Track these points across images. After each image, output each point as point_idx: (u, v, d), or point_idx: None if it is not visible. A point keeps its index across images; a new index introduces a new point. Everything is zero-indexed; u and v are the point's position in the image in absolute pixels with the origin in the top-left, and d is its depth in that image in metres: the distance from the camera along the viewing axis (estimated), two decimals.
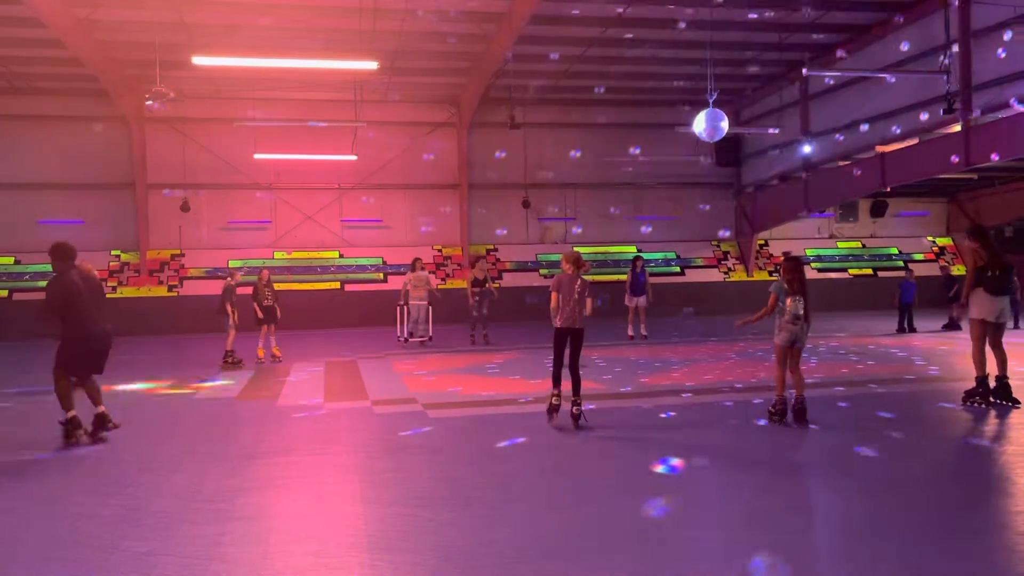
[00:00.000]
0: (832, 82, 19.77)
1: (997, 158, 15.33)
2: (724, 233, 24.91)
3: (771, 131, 21.31)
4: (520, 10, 15.88)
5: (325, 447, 6.95)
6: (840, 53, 18.93)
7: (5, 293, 21.01)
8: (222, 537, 4.53)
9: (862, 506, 4.98)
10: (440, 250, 23.62)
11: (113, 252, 21.92)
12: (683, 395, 9.30)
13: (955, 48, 15.63)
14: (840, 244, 25.91)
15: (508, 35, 16.89)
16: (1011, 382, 8.15)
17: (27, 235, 20.96)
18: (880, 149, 18.35)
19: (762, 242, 25.42)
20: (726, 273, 24.95)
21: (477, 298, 15.99)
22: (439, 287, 17.64)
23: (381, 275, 22.94)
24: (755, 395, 9.11)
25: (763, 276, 24.44)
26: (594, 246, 23.81)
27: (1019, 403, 8.00)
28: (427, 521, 4.79)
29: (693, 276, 24.60)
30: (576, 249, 8.69)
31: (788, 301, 7.42)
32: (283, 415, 8.57)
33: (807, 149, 20.68)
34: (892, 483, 5.50)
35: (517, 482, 5.76)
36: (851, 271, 25.51)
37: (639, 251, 22.45)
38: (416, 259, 16.76)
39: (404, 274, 17.94)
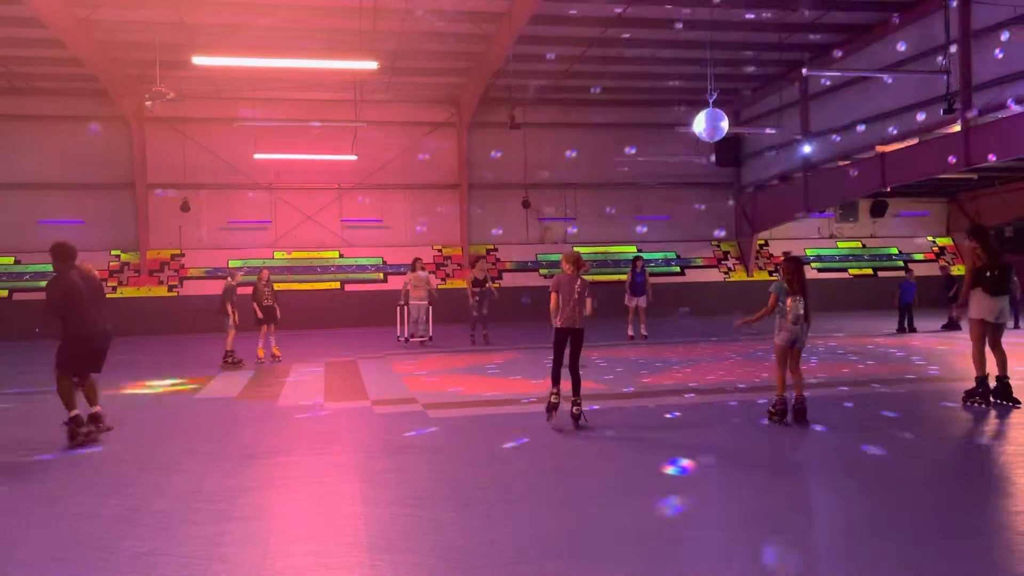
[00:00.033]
0: (828, 83, 19.79)
1: (995, 158, 15.34)
2: (719, 233, 24.83)
3: (770, 131, 21.32)
4: (520, 10, 15.88)
5: (325, 447, 6.95)
6: (837, 53, 18.94)
7: (5, 293, 21.01)
8: (222, 537, 4.53)
9: (862, 506, 4.98)
10: (440, 250, 23.63)
11: (113, 252, 21.92)
12: (685, 395, 9.29)
13: (952, 48, 15.63)
14: (840, 244, 25.92)
15: (508, 35, 16.90)
16: (1011, 382, 8.15)
17: (27, 235, 20.97)
18: (880, 149, 18.35)
19: (762, 242, 25.42)
20: (726, 273, 24.95)
21: (477, 298, 16.00)
22: (439, 287, 17.65)
23: (381, 275, 22.94)
24: (757, 395, 9.10)
25: (763, 276, 24.44)
26: (594, 246, 23.81)
27: (1019, 403, 8.00)
28: (427, 521, 4.79)
29: (693, 276, 24.61)
30: (576, 249, 8.68)
31: (788, 301, 7.42)
32: (283, 415, 8.57)
33: (807, 149, 20.69)
34: (892, 483, 5.50)
35: (517, 482, 5.76)
36: (851, 271, 25.51)
37: (639, 251, 22.46)
38: (416, 259, 16.76)
39: (404, 274, 17.94)
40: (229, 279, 13.56)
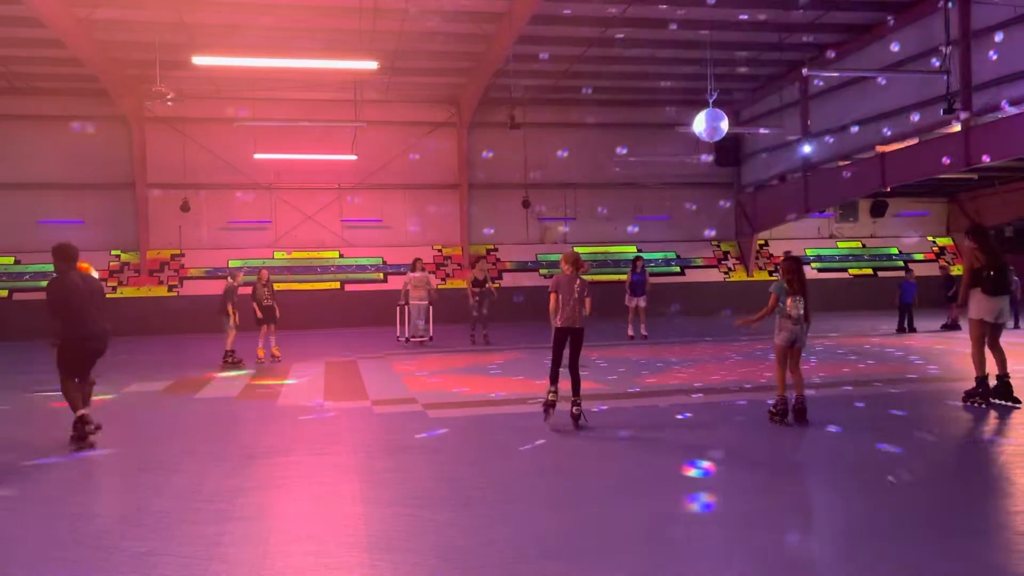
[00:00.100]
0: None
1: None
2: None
3: (767, 131, 21.31)
4: (520, 10, 15.88)
5: (325, 447, 6.95)
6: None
7: (5, 293, 21.00)
8: (222, 537, 4.54)
9: (862, 506, 4.98)
10: (440, 250, 23.63)
11: (113, 252, 21.92)
12: (687, 395, 9.29)
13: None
14: (840, 244, 25.92)
15: (508, 35, 16.89)
16: (1011, 381, 8.15)
17: (27, 235, 20.98)
18: (880, 149, 18.35)
19: (762, 242, 25.42)
20: (726, 273, 24.95)
21: (477, 298, 16.01)
22: (439, 287, 17.65)
23: (381, 275, 22.94)
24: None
25: (763, 276, 24.43)
26: (594, 246, 23.81)
27: (1020, 402, 8.00)
28: (427, 521, 4.79)
29: (693, 276, 24.61)
30: (576, 249, 8.69)
31: (788, 301, 7.43)
32: (283, 415, 8.57)
33: (807, 149, 20.68)
34: (892, 483, 5.49)
35: (517, 482, 5.77)
36: (851, 271, 25.51)
37: (639, 251, 22.46)
38: (416, 259, 16.77)
39: (404, 274, 17.94)
40: (230, 279, 13.56)
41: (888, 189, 19.02)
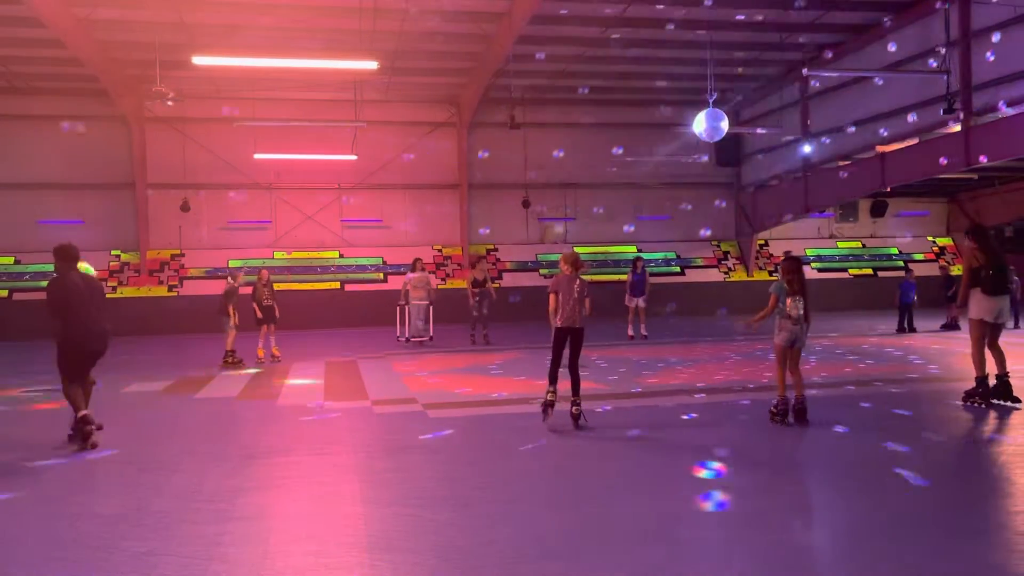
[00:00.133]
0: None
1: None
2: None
3: (767, 131, 21.30)
4: (520, 10, 15.88)
5: (325, 447, 6.95)
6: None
7: (5, 293, 21.01)
8: (222, 537, 4.53)
9: (862, 506, 4.98)
10: (440, 250, 23.63)
11: (113, 252, 21.93)
12: (690, 395, 9.29)
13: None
14: (840, 244, 25.91)
15: (508, 35, 16.89)
16: (1011, 380, 8.14)
17: (27, 235, 21.00)
18: (880, 149, 18.35)
19: (762, 242, 25.43)
20: (726, 273, 24.95)
21: (477, 298, 16.02)
22: (439, 287, 17.65)
23: (381, 275, 22.94)
24: (761, 395, 9.10)
25: (763, 276, 24.44)
26: (594, 246, 23.81)
27: (1019, 401, 8.00)
28: (427, 521, 4.79)
29: (693, 276, 24.61)
30: (576, 249, 8.70)
31: (788, 301, 7.42)
32: (283, 415, 8.57)
33: (807, 149, 20.69)
34: (892, 483, 5.49)
35: (517, 482, 5.76)
36: (851, 271, 25.51)
37: (639, 251, 22.46)
38: (416, 259, 16.78)
39: (404, 274, 17.94)
40: (230, 279, 13.56)
41: (888, 189, 19.03)
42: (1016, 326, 16.66)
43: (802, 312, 7.39)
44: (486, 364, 12.80)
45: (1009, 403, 8.02)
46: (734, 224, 25.37)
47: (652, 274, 18.07)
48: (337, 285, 22.70)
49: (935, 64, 15.65)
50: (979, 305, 8.15)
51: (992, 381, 8.13)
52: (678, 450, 6.49)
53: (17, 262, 21.33)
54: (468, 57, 19.59)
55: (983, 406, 8.07)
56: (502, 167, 23.36)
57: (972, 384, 8.29)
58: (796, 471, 6.11)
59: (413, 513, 4.94)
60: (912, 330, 16.60)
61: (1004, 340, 8.33)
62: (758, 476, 5.78)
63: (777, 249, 25.20)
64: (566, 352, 7.62)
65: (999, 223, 23.45)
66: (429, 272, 18.33)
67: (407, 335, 16.28)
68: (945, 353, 12.98)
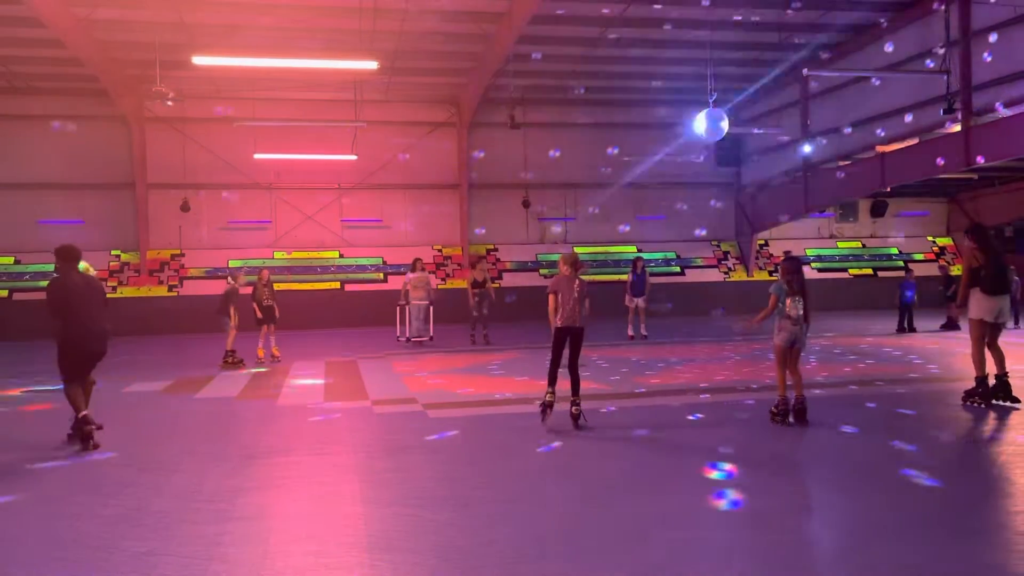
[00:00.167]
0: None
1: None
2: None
3: (767, 131, 21.29)
4: (520, 10, 15.88)
5: (325, 447, 6.95)
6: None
7: (5, 293, 21.00)
8: (222, 537, 4.54)
9: (862, 506, 4.98)
10: (440, 250, 23.63)
11: (113, 252, 21.92)
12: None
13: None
14: (840, 244, 25.91)
15: (508, 35, 16.89)
16: (1011, 380, 8.14)
17: (27, 235, 21.00)
18: (880, 149, 18.36)
19: (762, 242, 25.42)
20: (726, 273, 24.95)
21: (477, 299, 16.03)
22: (439, 287, 17.65)
23: (381, 275, 22.94)
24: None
25: (763, 276, 24.43)
26: (594, 246, 23.81)
27: (1019, 401, 8.00)
28: (427, 521, 4.79)
29: (693, 276, 24.60)
30: (576, 249, 8.70)
31: (788, 302, 7.43)
32: (283, 415, 8.57)
33: (807, 149, 20.69)
34: (892, 483, 5.49)
35: (517, 482, 5.76)
36: (851, 271, 25.51)
37: (639, 251, 22.44)
38: (416, 259, 16.77)
39: (404, 274, 17.94)
40: (230, 280, 13.55)
41: (888, 189, 19.03)
42: (1016, 326, 16.66)
43: (802, 312, 7.39)
44: (486, 364, 12.80)
45: (1009, 403, 8.02)
46: (734, 224, 25.37)
47: (652, 274, 18.07)
48: (337, 285, 22.70)
49: (934, 64, 15.65)
50: (979, 305, 8.14)
51: (992, 381, 8.13)
52: (679, 450, 6.49)
53: (17, 262, 21.32)
54: (468, 57, 19.59)
55: (983, 406, 8.07)
56: (502, 167, 23.36)
57: (972, 384, 8.30)
58: (796, 471, 6.11)
59: (413, 513, 4.94)
60: (912, 330, 16.60)
61: (1004, 340, 8.34)
62: (758, 476, 5.77)
63: (777, 249, 25.20)
64: (566, 352, 7.62)
65: (999, 223, 23.45)
66: (429, 272, 18.33)
67: (407, 335, 16.27)
68: (945, 353, 12.98)
